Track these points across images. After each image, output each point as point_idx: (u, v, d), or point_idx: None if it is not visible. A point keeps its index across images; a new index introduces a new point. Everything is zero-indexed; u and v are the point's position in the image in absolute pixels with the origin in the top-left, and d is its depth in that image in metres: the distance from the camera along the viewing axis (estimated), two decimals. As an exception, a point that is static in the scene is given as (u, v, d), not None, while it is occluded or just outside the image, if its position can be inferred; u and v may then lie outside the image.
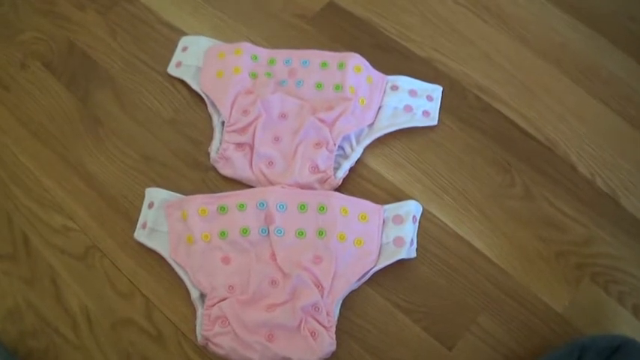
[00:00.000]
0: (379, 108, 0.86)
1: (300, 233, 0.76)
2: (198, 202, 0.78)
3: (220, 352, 0.72)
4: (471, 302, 0.77)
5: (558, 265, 0.79)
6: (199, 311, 0.74)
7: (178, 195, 0.80)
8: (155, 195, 0.81)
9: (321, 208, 0.77)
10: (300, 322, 0.72)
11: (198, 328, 0.74)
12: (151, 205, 0.80)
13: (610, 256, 0.80)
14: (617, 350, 0.68)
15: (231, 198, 0.78)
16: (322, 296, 0.73)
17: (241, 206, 0.77)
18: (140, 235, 0.80)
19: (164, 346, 0.75)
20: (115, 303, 0.78)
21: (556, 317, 0.76)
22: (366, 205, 0.79)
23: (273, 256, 0.76)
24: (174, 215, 0.79)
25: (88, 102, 0.90)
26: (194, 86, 0.88)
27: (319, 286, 0.73)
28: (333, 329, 0.72)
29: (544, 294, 0.77)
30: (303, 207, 0.77)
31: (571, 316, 0.76)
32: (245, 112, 0.83)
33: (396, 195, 0.83)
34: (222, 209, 0.77)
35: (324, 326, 0.72)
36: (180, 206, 0.79)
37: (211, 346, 0.72)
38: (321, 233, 0.76)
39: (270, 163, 0.81)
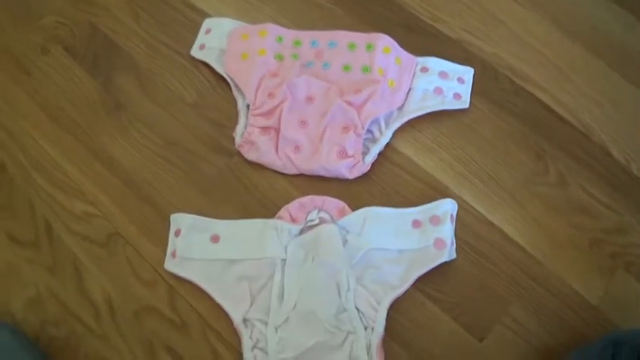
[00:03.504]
0: (409, 90, 0.82)
1: (347, 68, 0.82)
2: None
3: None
4: (502, 292, 0.74)
5: (592, 254, 0.76)
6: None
7: (204, 219, 0.76)
8: (181, 221, 0.77)
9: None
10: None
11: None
12: (177, 233, 0.76)
13: None
14: None
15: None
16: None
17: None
18: (170, 265, 0.75)
19: (188, 335, 0.73)
20: (137, 291, 0.75)
21: (589, 309, 0.73)
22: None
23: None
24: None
25: (109, 86, 0.87)
26: (218, 69, 0.85)
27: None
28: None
29: (577, 284, 0.74)
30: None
31: (605, 307, 0.73)
32: (270, 95, 0.80)
33: (426, 181, 0.80)
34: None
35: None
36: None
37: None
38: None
39: (297, 148, 0.78)
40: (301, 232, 0.73)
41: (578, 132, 0.82)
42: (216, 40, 0.87)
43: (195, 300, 0.74)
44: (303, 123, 0.79)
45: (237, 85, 0.83)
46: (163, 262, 0.76)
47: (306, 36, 0.86)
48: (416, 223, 0.74)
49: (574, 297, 0.73)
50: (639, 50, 0.89)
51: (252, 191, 0.80)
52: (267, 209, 0.78)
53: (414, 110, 0.81)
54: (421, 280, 0.73)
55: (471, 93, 0.84)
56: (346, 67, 0.82)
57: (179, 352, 0.72)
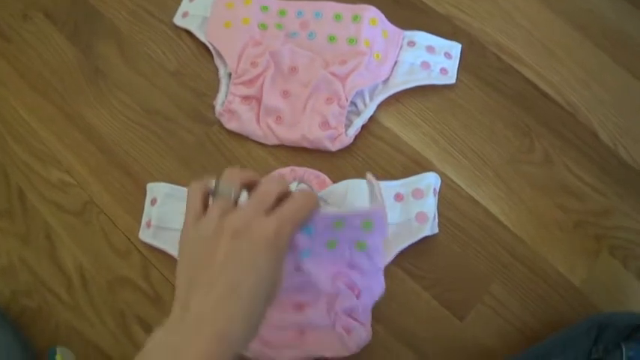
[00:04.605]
0: (395, 63, 0.78)
1: (331, 244, 0.63)
2: None
3: (247, 355, 0.64)
4: (484, 271, 0.71)
5: (576, 235, 0.73)
6: None
7: (182, 188, 0.73)
8: (157, 190, 0.73)
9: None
10: (334, 320, 0.64)
11: None
12: (153, 202, 0.73)
13: (630, 230, 0.74)
14: (637, 329, 0.62)
15: None
16: (358, 297, 0.64)
17: None
18: (145, 235, 0.72)
19: (161, 307, 0.70)
20: (111, 261, 0.73)
21: (573, 290, 0.70)
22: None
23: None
24: None
25: (90, 53, 0.84)
26: (200, 37, 0.82)
27: (354, 288, 0.64)
28: (369, 323, 0.65)
29: (561, 265, 0.71)
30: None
31: (588, 290, 0.71)
32: (253, 63, 0.76)
33: (410, 155, 0.76)
34: None
35: (359, 322, 0.65)
36: None
37: None
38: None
39: (278, 118, 0.75)
40: None
41: (564, 111, 0.79)
42: (200, 8, 0.83)
43: (169, 271, 0.71)
44: (285, 93, 0.76)
45: (219, 53, 0.79)
46: (137, 232, 0.72)
47: (291, 6, 0.81)
48: (398, 197, 0.71)
49: (557, 278, 0.71)
50: (630, 34, 0.85)
51: (232, 161, 0.76)
52: (247, 180, 0.75)
53: (399, 84, 0.77)
54: (402, 256, 0.70)
55: (458, 68, 0.80)
56: (331, 38, 0.78)
57: (152, 325, 0.69)
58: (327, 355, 0.64)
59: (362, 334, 0.64)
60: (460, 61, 0.81)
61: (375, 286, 0.64)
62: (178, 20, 0.84)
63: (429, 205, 0.71)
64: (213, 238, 0.45)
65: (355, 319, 0.65)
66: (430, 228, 0.70)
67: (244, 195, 0.53)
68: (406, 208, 0.70)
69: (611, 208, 0.74)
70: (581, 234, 0.73)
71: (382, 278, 0.64)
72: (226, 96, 0.77)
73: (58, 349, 0.66)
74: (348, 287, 0.63)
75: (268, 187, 0.48)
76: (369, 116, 0.76)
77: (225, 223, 0.45)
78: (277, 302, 0.61)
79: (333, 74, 0.75)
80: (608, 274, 0.71)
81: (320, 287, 0.62)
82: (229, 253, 0.44)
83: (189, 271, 0.46)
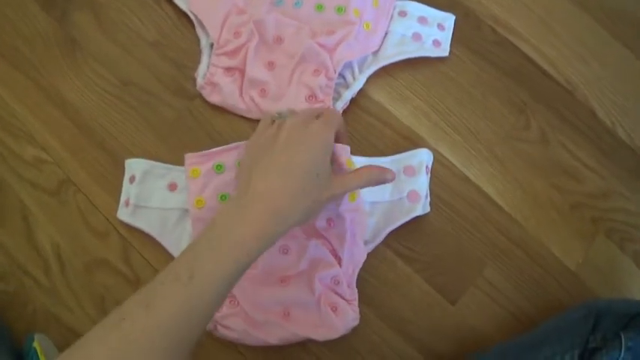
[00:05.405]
0: (385, 34, 0.74)
1: (319, 7, 0.71)
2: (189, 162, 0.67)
3: (231, 335, 0.62)
4: (477, 253, 0.68)
5: (572, 217, 0.70)
6: None
7: (162, 165, 0.69)
8: (136, 167, 0.68)
9: None
10: (319, 296, 0.62)
11: None
12: (132, 180, 0.68)
13: (627, 212, 0.71)
14: (635, 317, 0.59)
15: (230, 152, 0.67)
16: (340, 266, 0.63)
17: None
18: (123, 214, 0.68)
19: None
20: (89, 242, 0.69)
21: (568, 274, 0.69)
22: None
23: None
24: None
25: (65, 22, 0.78)
26: (181, 5, 0.76)
27: (335, 255, 0.63)
28: (356, 302, 0.63)
29: (556, 248, 0.69)
30: None
31: (583, 274, 0.69)
32: (236, 33, 0.71)
33: (400, 131, 0.72)
34: (219, 168, 0.66)
35: (345, 299, 0.62)
36: None
37: (221, 330, 0.62)
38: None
39: (263, 91, 0.70)
40: None
41: (561, 88, 0.75)
42: (181, -25, 0.78)
43: (149, 253, 0.68)
44: (270, 64, 0.71)
45: (200, 23, 0.74)
46: (116, 212, 0.68)
47: (276, -28, 0.76)
48: (389, 174, 0.67)
49: (552, 261, 0.69)
50: (628, 10, 0.81)
51: (214, 136, 0.72)
52: (229, 156, 0.71)
53: (390, 56, 0.73)
54: (392, 237, 0.67)
55: (451, 41, 0.76)
56: (319, 7, 0.73)
57: (132, 309, 0.65)
58: (316, 337, 0.61)
59: (349, 312, 0.62)
60: (454, 33, 0.77)
61: (356, 252, 0.64)
62: (158, -13, 0.79)
63: (422, 183, 0.67)
64: (275, 133, 0.56)
65: (340, 296, 0.63)
66: (422, 207, 0.66)
67: None
68: (398, 186, 0.67)
69: (608, 190, 0.72)
70: (577, 216, 0.71)
71: (362, 245, 0.64)
72: (208, 67, 0.72)
73: (36, 336, 0.63)
74: (330, 253, 0.64)
75: (309, 109, 0.62)
76: (358, 89, 0.72)
77: (285, 123, 0.56)
78: (263, 276, 0.62)
79: (321, 45, 0.70)
80: (605, 257, 0.70)
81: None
82: (289, 137, 0.54)
83: (251, 161, 0.56)
